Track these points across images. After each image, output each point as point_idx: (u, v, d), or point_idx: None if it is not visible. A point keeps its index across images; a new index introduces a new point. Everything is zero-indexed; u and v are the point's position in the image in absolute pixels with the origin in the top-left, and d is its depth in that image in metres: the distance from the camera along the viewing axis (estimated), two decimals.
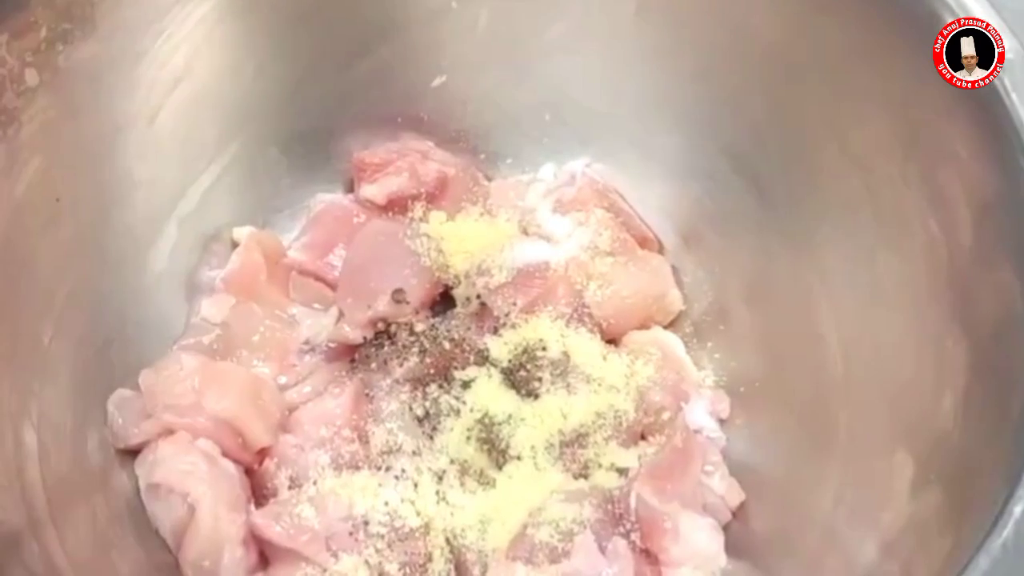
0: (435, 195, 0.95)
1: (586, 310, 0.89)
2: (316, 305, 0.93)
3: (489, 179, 0.99)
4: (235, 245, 0.93)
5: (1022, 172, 0.65)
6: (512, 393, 0.86)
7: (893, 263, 0.75)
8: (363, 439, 0.84)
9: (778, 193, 0.85)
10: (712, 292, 0.92)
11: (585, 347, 0.87)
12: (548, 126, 0.98)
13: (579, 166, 0.97)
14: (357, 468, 0.83)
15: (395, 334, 0.89)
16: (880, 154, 0.76)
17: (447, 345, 0.89)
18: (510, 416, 0.84)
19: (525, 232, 0.94)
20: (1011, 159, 0.65)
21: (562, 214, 0.93)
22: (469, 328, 0.90)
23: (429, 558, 0.78)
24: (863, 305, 0.78)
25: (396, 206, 0.95)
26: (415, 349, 0.88)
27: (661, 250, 0.96)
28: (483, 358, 0.87)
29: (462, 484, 0.82)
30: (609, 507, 0.79)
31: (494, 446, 0.83)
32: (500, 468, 0.83)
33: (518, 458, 0.83)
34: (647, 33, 0.90)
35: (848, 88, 0.77)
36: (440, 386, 0.87)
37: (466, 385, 0.86)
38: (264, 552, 0.79)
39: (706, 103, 0.89)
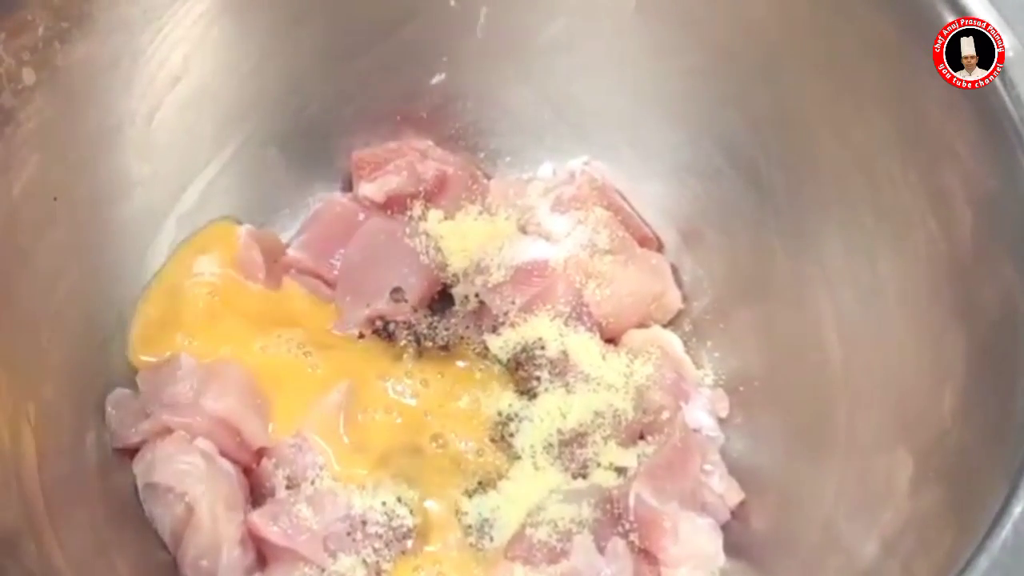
0: (434, 193, 0.95)
1: (585, 309, 0.88)
2: None
3: (488, 177, 0.99)
4: None
5: (1021, 170, 0.65)
6: (511, 392, 0.86)
7: (893, 260, 0.75)
8: None
9: (778, 191, 0.85)
10: (711, 290, 0.92)
11: (584, 346, 0.87)
12: (547, 124, 0.98)
13: (578, 164, 0.96)
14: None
15: (393, 332, 0.88)
16: (880, 152, 0.76)
17: None
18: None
19: (524, 230, 0.94)
20: (1010, 157, 0.65)
21: (561, 212, 0.93)
22: (468, 327, 0.90)
23: None
24: (863, 302, 0.78)
25: (395, 204, 0.94)
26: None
27: (660, 248, 0.95)
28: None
29: None
30: (608, 507, 0.79)
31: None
32: None
33: (517, 457, 0.83)
34: (647, 30, 0.89)
35: (848, 86, 0.77)
36: None
37: None
38: (262, 551, 0.79)
39: (706, 100, 0.89)
